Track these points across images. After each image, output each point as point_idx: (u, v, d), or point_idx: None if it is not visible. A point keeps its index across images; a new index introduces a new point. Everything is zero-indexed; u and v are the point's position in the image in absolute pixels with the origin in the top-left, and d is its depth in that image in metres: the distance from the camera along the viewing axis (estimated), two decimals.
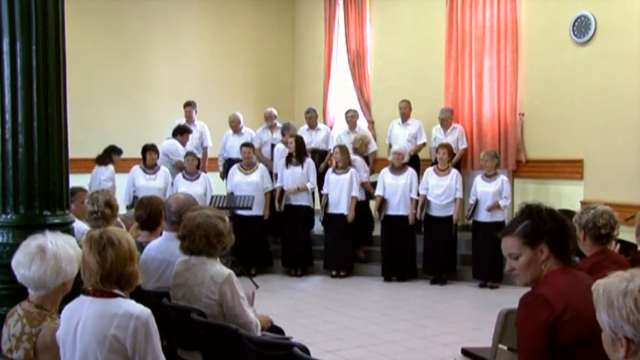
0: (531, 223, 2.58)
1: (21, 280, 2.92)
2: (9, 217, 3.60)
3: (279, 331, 4.10)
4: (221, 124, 10.10)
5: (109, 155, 9.39)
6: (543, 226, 2.56)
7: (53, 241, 2.92)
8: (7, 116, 3.58)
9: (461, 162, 9.27)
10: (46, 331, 2.87)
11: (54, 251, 2.88)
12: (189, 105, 10.09)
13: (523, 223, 2.60)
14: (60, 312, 2.90)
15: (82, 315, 2.72)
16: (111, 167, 9.34)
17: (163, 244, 4.22)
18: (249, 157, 9.01)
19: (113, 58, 10.88)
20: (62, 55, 3.73)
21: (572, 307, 2.41)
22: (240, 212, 8.67)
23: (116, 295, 2.74)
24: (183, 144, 9.50)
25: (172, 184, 8.90)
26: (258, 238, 8.97)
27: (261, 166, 9.12)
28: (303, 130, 9.93)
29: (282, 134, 9.64)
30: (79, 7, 9.59)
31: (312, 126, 9.94)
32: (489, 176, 8.24)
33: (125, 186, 8.90)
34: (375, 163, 9.74)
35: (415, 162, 9.27)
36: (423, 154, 9.54)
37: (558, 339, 2.40)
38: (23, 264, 2.88)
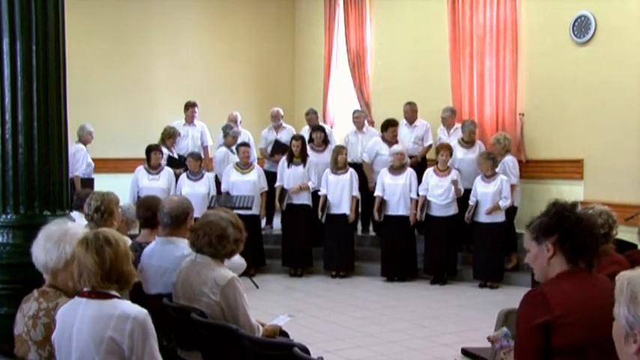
0: (542, 220, 2.59)
1: (34, 263, 3.01)
2: (9, 217, 3.60)
3: (285, 334, 4.07)
4: (221, 124, 10.09)
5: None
6: (549, 224, 2.56)
7: (59, 226, 3.01)
8: (7, 116, 3.58)
9: None
10: (63, 305, 2.86)
11: (58, 235, 2.95)
12: (191, 106, 10.10)
13: (539, 219, 2.62)
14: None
15: (77, 317, 2.71)
16: None
17: (157, 249, 4.13)
18: (247, 156, 9.01)
19: (113, 58, 10.88)
20: (62, 55, 3.73)
21: (573, 312, 2.37)
22: (237, 212, 8.64)
23: (112, 297, 2.74)
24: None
25: (176, 184, 8.89)
26: (255, 237, 8.93)
27: (257, 165, 9.10)
28: (304, 131, 9.94)
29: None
30: (79, 7, 9.58)
31: None
32: (488, 177, 8.23)
33: (129, 186, 8.86)
34: None
35: (422, 164, 9.23)
36: (427, 155, 9.48)
37: (554, 340, 2.37)
38: (34, 249, 3.00)
